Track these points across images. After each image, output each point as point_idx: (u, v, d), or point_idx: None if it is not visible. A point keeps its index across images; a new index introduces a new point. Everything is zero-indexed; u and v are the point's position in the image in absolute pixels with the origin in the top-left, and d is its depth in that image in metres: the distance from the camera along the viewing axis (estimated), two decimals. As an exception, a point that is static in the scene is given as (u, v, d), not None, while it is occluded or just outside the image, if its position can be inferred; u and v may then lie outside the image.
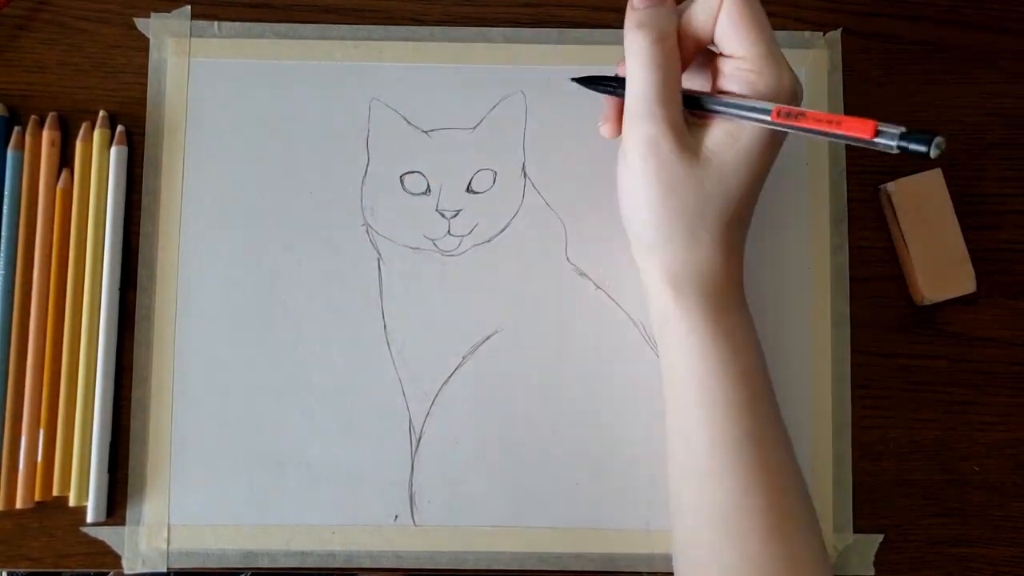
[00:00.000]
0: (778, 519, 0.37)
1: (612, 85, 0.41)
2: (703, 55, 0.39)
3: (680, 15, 0.37)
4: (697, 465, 0.38)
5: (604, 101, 0.41)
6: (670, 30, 0.36)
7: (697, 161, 0.37)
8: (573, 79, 0.42)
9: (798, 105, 0.36)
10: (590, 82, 0.42)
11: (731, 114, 0.36)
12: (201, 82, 0.47)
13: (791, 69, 0.37)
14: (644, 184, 0.37)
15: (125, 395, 0.45)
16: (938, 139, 0.32)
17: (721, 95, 0.37)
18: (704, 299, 0.38)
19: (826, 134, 0.35)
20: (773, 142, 0.37)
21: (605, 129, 0.41)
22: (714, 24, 0.37)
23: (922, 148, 0.32)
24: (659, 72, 0.36)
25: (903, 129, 0.33)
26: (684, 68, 0.38)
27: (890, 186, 0.46)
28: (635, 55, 0.36)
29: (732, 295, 0.39)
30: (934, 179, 0.45)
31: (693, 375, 0.38)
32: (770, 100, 0.36)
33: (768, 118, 0.35)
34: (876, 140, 0.33)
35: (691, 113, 0.38)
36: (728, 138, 0.37)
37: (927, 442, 0.46)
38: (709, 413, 0.38)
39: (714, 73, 0.38)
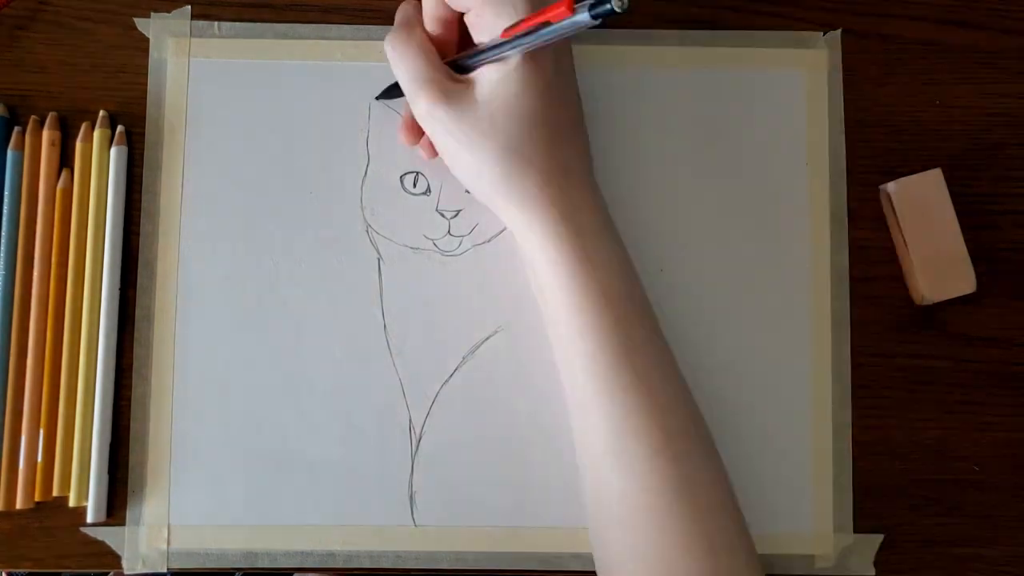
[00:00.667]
0: (664, 439, 0.37)
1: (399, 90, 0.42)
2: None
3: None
4: (580, 399, 0.39)
5: (399, 130, 0.45)
6: (412, 19, 0.41)
7: (477, 110, 0.38)
8: (377, 98, 0.46)
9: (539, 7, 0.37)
10: (389, 95, 0.45)
11: (479, 61, 0.39)
12: (201, 82, 0.46)
13: None
14: (447, 149, 0.40)
15: (125, 395, 0.45)
16: None
17: (472, 49, 0.39)
18: (553, 229, 0.39)
19: (541, 34, 0.35)
20: (541, 57, 0.38)
21: (402, 136, 0.44)
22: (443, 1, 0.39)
23: (606, 7, 0.33)
24: (412, 59, 0.39)
25: (589, 1, 0.34)
26: (451, 46, 0.41)
27: (890, 186, 0.46)
28: (390, 53, 0.40)
29: (583, 213, 0.39)
30: (934, 179, 0.45)
31: (560, 310, 0.39)
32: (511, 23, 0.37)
33: (497, 50, 0.37)
34: (575, 19, 0.34)
35: (462, 78, 0.40)
36: (496, 75, 0.38)
37: (927, 442, 0.46)
38: (579, 344, 0.38)
39: (471, 31, 0.40)
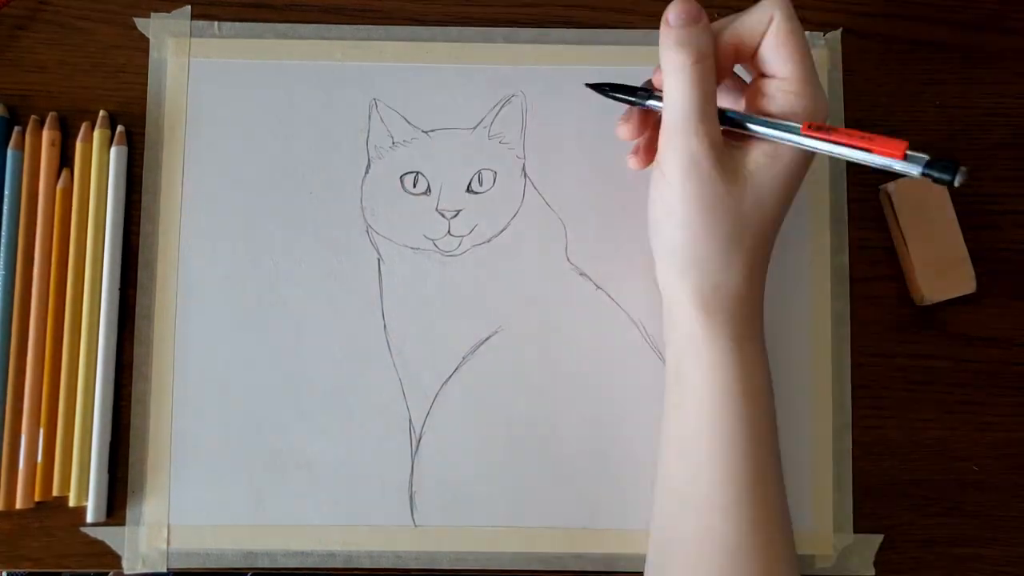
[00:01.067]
0: (774, 557, 0.37)
1: (635, 97, 0.40)
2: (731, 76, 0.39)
3: (720, 32, 0.37)
4: (702, 496, 0.38)
5: (622, 120, 0.41)
6: (708, 49, 0.36)
7: (736, 182, 0.36)
8: (588, 84, 0.41)
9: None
10: (606, 90, 0.41)
11: (770, 135, 0.36)
12: (201, 82, 0.47)
13: (824, 93, 0.37)
14: (682, 202, 0.36)
15: (125, 395, 0.45)
16: (963, 169, 0.32)
17: (759, 115, 0.37)
18: (734, 325, 0.37)
19: (855, 151, 0.35)
20: (806, 165, 0.37)
21: (634, 160, 0.41)
22: (758, 43, 0.37)
23: (946, 177, 0.33)
24: (699, 90, 0.36)
25: (927, 157, 0.33)
26: (717, 85, 0.37)
27: (890, 186, 0.46)
28: (675, 73, 0.36)
29: (757, 321, 0.39)
30: None
31: (714, 406, 0.37)
32: (811, 117, 0.36)
33: (799, 138, 0.35)
34: (904, 163, 0.34)
35: (726, 132, 0.37)
36: (766, 159, 0.36)
37: (927, 442, 0.46)
38: (723, 447, 0.37)
39: (749, 93, 0.38)
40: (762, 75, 0.38)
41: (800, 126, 0.36)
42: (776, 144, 0.36)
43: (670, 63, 0.36)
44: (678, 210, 0.37)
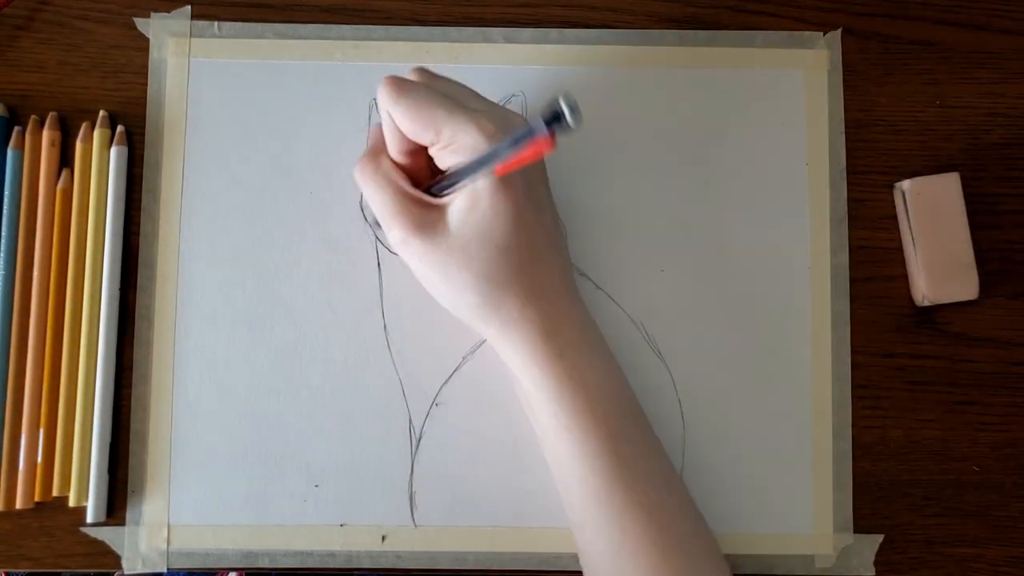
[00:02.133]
0: (662, 556, 0.38)
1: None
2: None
3: (385, 155, 0.40)
4: (578, 520, 0.40)
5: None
6: (380, 147, 0.40)
7: (449, 239, 0.38)
8: (370, 224, 0.46)
9: (505, 134, 0.36)
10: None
11: (447, 190, 0.38)
12: (201, 82, 0.47)
13: (480, 115, 0.37)
14: (423, 276, 0.39)
15: (125, 395, 0.45)
16: (566, 103, 0.32)
17: (441, 177, 0.39)
18: (535, 351, 0.39)
19: (499, 154, 0.35)
20: (510, 182, 0.38)
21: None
22: (398, 133, 0.39)
23: (562, 122, 0.33)
24: (381, 190, 0.39)
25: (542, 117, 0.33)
26: (422, 170, 0.40)
27: (904, 184, 0.45)
28: (361, 184, 0.40)
29: (564, 332, 0.39)
30: (950, 182, 0.45)
31: (548, 431, 0.39)
32: (475, 152, 0.37)
33: (466, 179, 0.37)
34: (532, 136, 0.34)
35: (434, 199, 0.39)
36: (466, 203, 0.38)
37: (927, 442, 0.46)
38: (572, 465, 0.39)
39: (435, 161, 0.39)
40: (430, 145, 0.39)
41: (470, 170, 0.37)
42: (469, 192, 0.38)
43: (357, 178, 0.41)
44: (427, 284, 0.40)
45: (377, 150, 0.41)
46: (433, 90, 0.38)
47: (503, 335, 0.39)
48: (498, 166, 0.36)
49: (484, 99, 0.40)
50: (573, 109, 0.32)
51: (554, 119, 0.33)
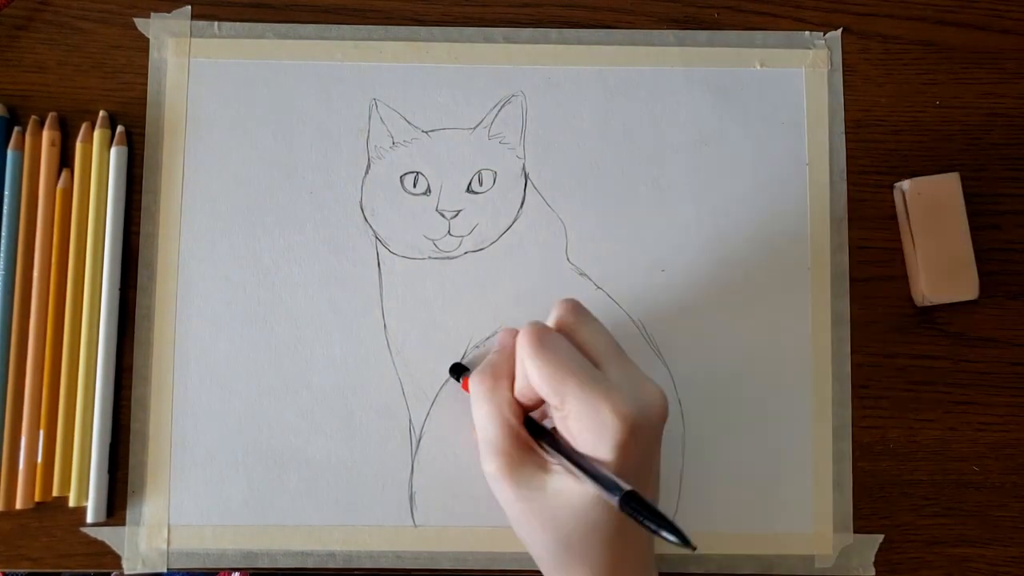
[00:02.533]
0: None
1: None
2: None
3: (508, 392, 0.38)
4: None
5: None
6: (502, 372, 0.38)
7: (542, 499, 0.36)
8: (452, 374, 0.45)
9: (651, 419, 0.36)
10: (457, 373, 0.44)
11: (559, 461, 0.36)
12: (201, 82, 0.46)
13: (616, 402, 0.35)
14: (506, 511, 0.38)
15: (125, 395, 0.45)
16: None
17: (556, 442, 0.37)
18: None
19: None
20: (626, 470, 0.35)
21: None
22: (525, 382, 0.37)
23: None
24: (491, 419, 0.37)
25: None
26: (537, 405, 0.39)
27: (905, 184, 0.45)
28: (474, 403, 0.38)
29: None
30: (950, 182, 0.45)
31: None
32: (597, 447, 0.35)
33: (590, 485, 0.35)
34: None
35: (539, 456, 0.38)
36: (570, 483, 0.36)
37: (927, 442, 0.46)
38: None
39: (555, 421, 0.38)
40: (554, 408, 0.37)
41: (610, 477, 0.34)
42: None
43: (472, 396, 0.39)
44: (507, 513, 0.38)
45: (498, 373, 0.38)
46: (573, 350, 0.37)
47: None
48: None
49: (626, 360, 0.38)
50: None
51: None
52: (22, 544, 0.44)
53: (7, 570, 0.45)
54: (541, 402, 0.38)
